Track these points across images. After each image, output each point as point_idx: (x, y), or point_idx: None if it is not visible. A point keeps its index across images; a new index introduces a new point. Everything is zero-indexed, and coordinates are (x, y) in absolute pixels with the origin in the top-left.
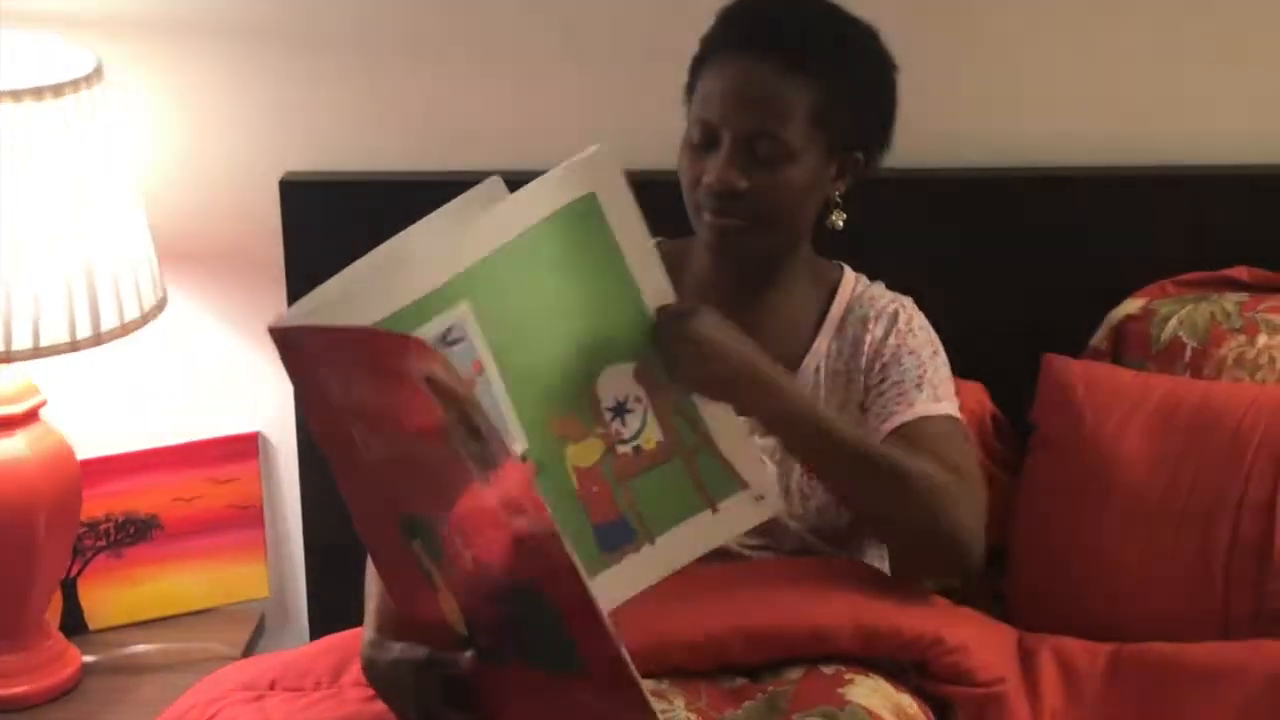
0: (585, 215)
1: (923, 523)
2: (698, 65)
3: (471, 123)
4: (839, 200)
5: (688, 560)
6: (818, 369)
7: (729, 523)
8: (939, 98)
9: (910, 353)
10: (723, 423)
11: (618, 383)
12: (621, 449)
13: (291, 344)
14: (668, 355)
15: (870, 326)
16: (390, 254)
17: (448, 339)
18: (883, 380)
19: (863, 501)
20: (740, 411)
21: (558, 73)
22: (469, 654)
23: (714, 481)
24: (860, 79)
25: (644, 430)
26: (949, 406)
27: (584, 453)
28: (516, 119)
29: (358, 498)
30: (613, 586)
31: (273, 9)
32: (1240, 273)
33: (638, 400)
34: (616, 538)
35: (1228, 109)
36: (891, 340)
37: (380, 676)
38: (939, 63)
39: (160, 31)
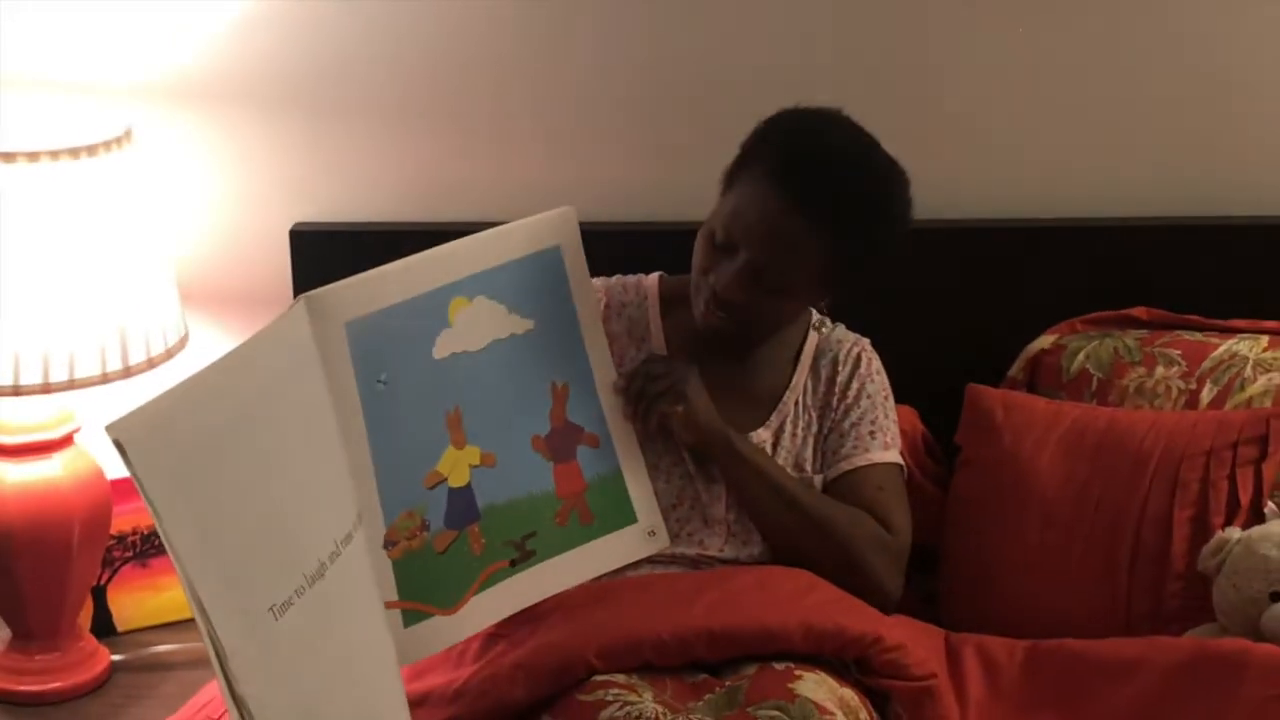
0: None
1: (840, 566)
2: (738, 169)
3: (459, 179)
4: (825, 308)
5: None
6: (796, 402)
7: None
8: None
9: (868, 396)
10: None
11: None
12: None
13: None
14: (652, 396)
15: (839, 368)
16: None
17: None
18: (844, 419)
19: (788, 543)
20: (695, 438)
21: (535, 135)
22: None
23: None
24: (876, 240)
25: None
26: (894, 454)
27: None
28: (498, 175)
29: None
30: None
31: (284, 80)
32: (1140, 312)
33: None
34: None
35: (1130, 167)
36: (854, 384)
37: None
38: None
39: (184, 98)
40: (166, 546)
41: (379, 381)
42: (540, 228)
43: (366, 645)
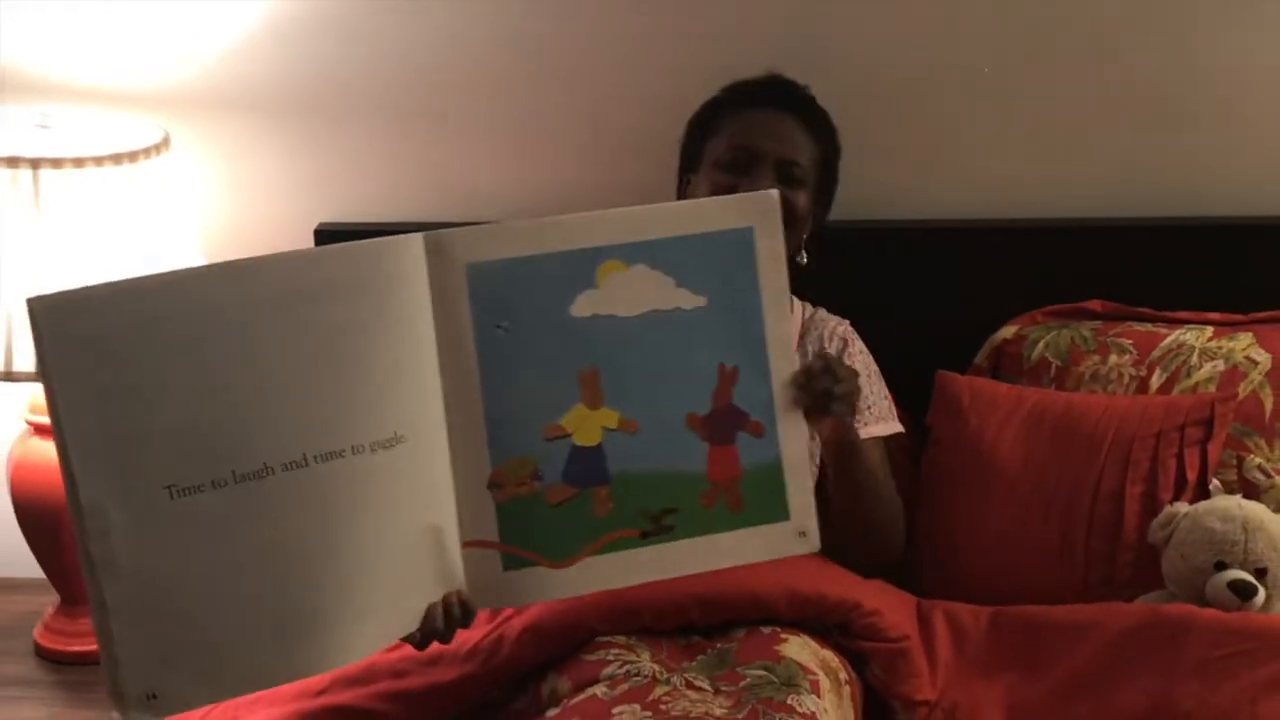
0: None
1: (885, 536)
2: (709, 119)
3: (474, 181)
4: (804, 240)
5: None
6: None
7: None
8: (863, 167)
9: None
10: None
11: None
12: None
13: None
14: (832, 397)
15: (826, 347)
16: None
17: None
18: None
19: (856, 519)
20: (838, 435)
21: (540, 138)
22: None
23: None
24: (835, 149)
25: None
26: (882, 427)
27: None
28: (506, 176)
29: None
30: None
31: (308, 90)
32: (1095, 305)
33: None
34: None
35: (1085, 173)
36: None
37: None
38: (855, 137)
39: (218, 107)
40: (46, 394)
41: (498, 327)
42: (735, 207)
43: (333, 565)
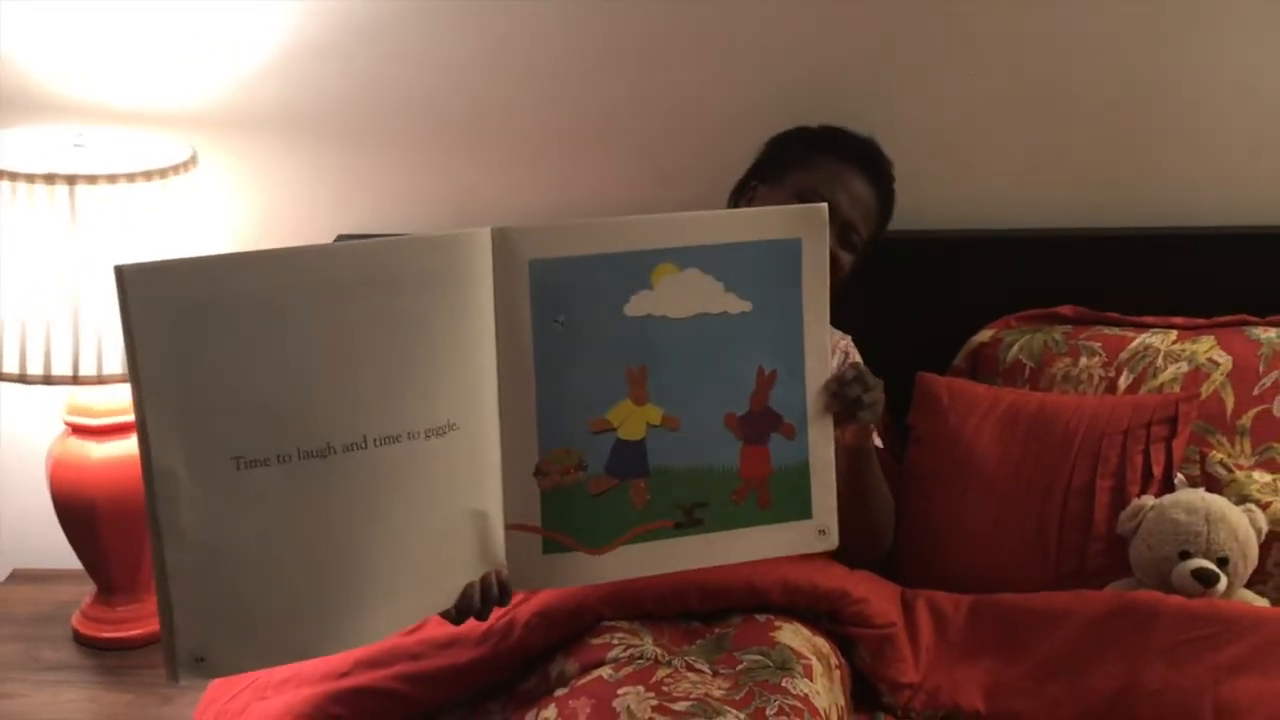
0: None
1: (882, 536)
2: (805, 150)
3: (486, 194)
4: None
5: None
6: None
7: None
8: None
9: None
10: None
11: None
12: None
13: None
14: (860, 405)
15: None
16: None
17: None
18: None
19: (860, 520)
20: (858, 441)
21: (559, 151)
22: None
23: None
24: (885, 228)
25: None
26: (877, 438)
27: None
28: (523, 189)
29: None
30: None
31: (328, 108)
32: (1066, 310)
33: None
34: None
35: (1057, 186)
36: None
37: None
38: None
39: (241, 127)
40: (129, 361)
41: (555, 321)
42: (785, 217)
43: (380, 544)
